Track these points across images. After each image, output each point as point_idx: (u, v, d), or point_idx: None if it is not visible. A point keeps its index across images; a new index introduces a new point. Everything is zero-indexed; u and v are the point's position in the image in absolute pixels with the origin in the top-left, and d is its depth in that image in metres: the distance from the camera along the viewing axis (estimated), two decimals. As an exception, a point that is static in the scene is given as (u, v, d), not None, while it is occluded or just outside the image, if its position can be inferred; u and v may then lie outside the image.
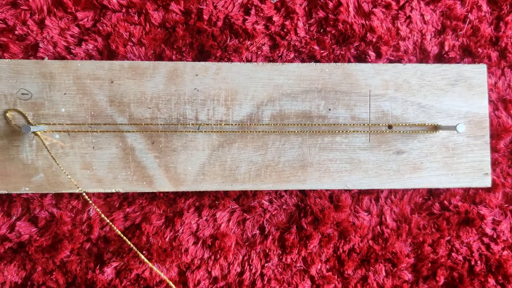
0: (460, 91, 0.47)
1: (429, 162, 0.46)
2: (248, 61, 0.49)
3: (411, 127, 0.46)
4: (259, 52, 0.49)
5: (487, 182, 0.47)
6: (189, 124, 0.45)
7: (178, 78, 0.45)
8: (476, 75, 0.47)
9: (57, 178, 0.44)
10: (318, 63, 0.46)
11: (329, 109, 0.46)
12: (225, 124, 0.45)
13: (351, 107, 0.46)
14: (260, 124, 0.45)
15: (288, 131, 0.45)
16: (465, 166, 0.47)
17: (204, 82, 0.45)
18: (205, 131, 0.45)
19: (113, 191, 0.44)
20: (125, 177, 0.44)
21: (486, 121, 0.47)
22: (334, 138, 0.46)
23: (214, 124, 0.45)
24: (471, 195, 0.50)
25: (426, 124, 0.46)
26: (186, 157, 0.45)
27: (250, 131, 0.45)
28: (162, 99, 0.45)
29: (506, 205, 0.50)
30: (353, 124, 0.46)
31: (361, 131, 0.46)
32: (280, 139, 0.45)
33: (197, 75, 0.45)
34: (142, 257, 0.43)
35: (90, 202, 0.43)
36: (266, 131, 0.45)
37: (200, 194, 0.48)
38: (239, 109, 0.45)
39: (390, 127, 0.46)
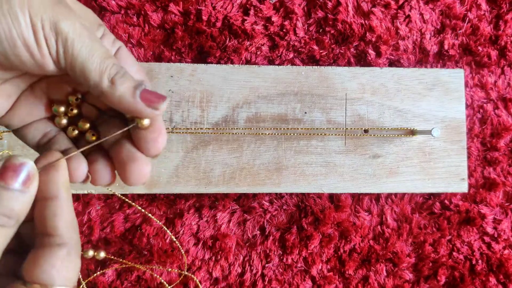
0: (437, 96, 0.47)
1: (405, 167, 0.46)
2: (247, 61, 0.48)
3: (387, 131, 0.46)
4: (258, 53, 0.49)
5: (463, 188, 0.47)
6: None
7: (153, 79, 0.44)
8: (453, 80, 0.47)
9: None
10: (294, 66, 0.46)
11: (305, 112, 0.46)
12: (200, 128, 0.45)
13: (327, 111, 0.46)
14: (235, 128, 0.45)
15: (264, 134, 0.45)
16: (441, 171, 0.46)
17: (179, 84, 0.45)
18: (178, 133, 0.44)
19: (86, 192, 0.44)
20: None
21: (463, 126, 0.47)
22: (309, 141, 0.46)
23: (188, 128, 0.45)
24: (472, 194, 0.50)
25: (403, 128, 0.46)
26: (160, 159, 0.44)
27: (226, 133, 0.45)
28: None
29: (506, 204, 0.50)
30: (329, 128, 0.46)
31: (337, 135, 0.46)
32: (256, 141, 0.45)
33: (172, 76, 0.45)
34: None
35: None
36: (241, 134, 0.45)
37: (200, 195, 0.48)
38: (214, 111, 0.45)
39: (366, 131, 0.46)
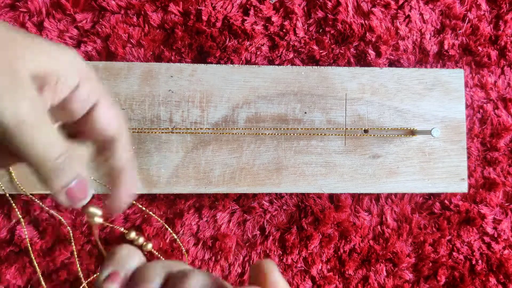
0: (437, 96, 0.47)
1: (405, 167, 0.46)
2: (247, 61, 0.49)
3: (387, 131, 0.46)
4: (258, 53, 0.49)
5: (463, 188, 0.47)
6: (162, 125, 0.44)
7: (152, 79, 0.44)
8: (453, 80, 0.47)
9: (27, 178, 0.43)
10: (294, 66, 0.46)
11: (305, 112, 0.46)
12: (200, 128, 0.45)
13: (327, 111, 0.46)
14: (235, 128, 0.45)
15: (264, 134, 0.45)
16: (441, 171, 0.46)
17: (179, 84, 0.45)
18: (178, 133, 0.44)
19: None
20: (98, 178, 0.44)
21: (463, 126, 0.47)
22: (309, 141, 0.45)
23: (188, 128, 0.45)
24: (472, 194, 0.50)
25: (403, 128, 0.46)
26: (160, 159, 0.44)
27: (226, 133, 0.45)
28: (136, 100, 0.44)
29: (506, 204, 0.50)
30: (329, 128, 0.46)
31: (336, 135, 0.46)
32: (255, 141, 0.45)
33: (172, 76, 0.45)
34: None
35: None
36: (241, 134, 0.45)
37: (200, 195, 0.48)
38: (214, 111, 0.45)
39: (366, 131, 0.46)
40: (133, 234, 0.45)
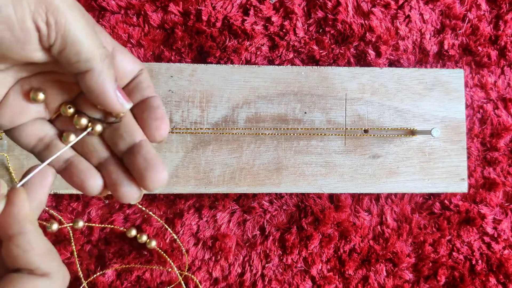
0: (437, 96, 0.47)
1: (405, 167, 0.46)
2: (247, 61, 0.49)
3: (387, 131, 0.46)
4: (258, 53, 0.49)
5: (463, 188, 0.47)
6: None
7: (152, 79, 0.44)
8: (453, 80, 0.47)
9: None
10: (294, 66, 0.46)
11: (305, 112, 0.46)
12: (200, 128, 0.45)
13: (327, 111, 0.46)
14: (235, 128, 0.45)
15: (264, 134, 0.45)
16: (441, 171, 0.46)
17: (179, 84, 0.45)
18: (178, 133, 0.44)
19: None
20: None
21: (463, 126, 0.47)
22: (309, 141, 0.45)
23: (188, 128, 0.45)
24: (472, 194, 0.50)
25: (403, 128, 0.46)
26: None
27: (226, 133, 0.44)
28: None
29: (506, 204, 0.50)
30: (329, 128, 0.46)
31: (336, 135, 0.45)
32: (255, 141, 0.45)
33: (172, 76, 0.45)
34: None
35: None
36: (241, 134, 0.45)
37: (200, 195, 0.48)
38: (214, 111, 0.45)
39: (366, 131, 0.46)
40: (134, 232, 0.45)
